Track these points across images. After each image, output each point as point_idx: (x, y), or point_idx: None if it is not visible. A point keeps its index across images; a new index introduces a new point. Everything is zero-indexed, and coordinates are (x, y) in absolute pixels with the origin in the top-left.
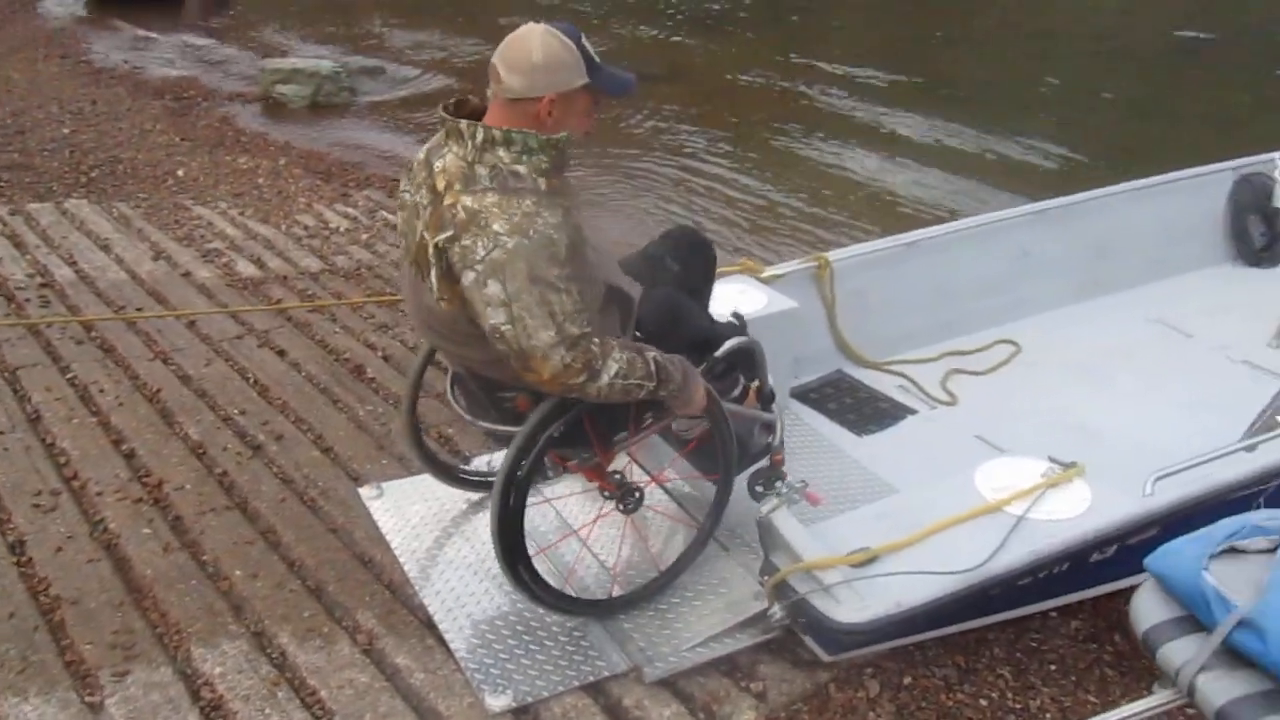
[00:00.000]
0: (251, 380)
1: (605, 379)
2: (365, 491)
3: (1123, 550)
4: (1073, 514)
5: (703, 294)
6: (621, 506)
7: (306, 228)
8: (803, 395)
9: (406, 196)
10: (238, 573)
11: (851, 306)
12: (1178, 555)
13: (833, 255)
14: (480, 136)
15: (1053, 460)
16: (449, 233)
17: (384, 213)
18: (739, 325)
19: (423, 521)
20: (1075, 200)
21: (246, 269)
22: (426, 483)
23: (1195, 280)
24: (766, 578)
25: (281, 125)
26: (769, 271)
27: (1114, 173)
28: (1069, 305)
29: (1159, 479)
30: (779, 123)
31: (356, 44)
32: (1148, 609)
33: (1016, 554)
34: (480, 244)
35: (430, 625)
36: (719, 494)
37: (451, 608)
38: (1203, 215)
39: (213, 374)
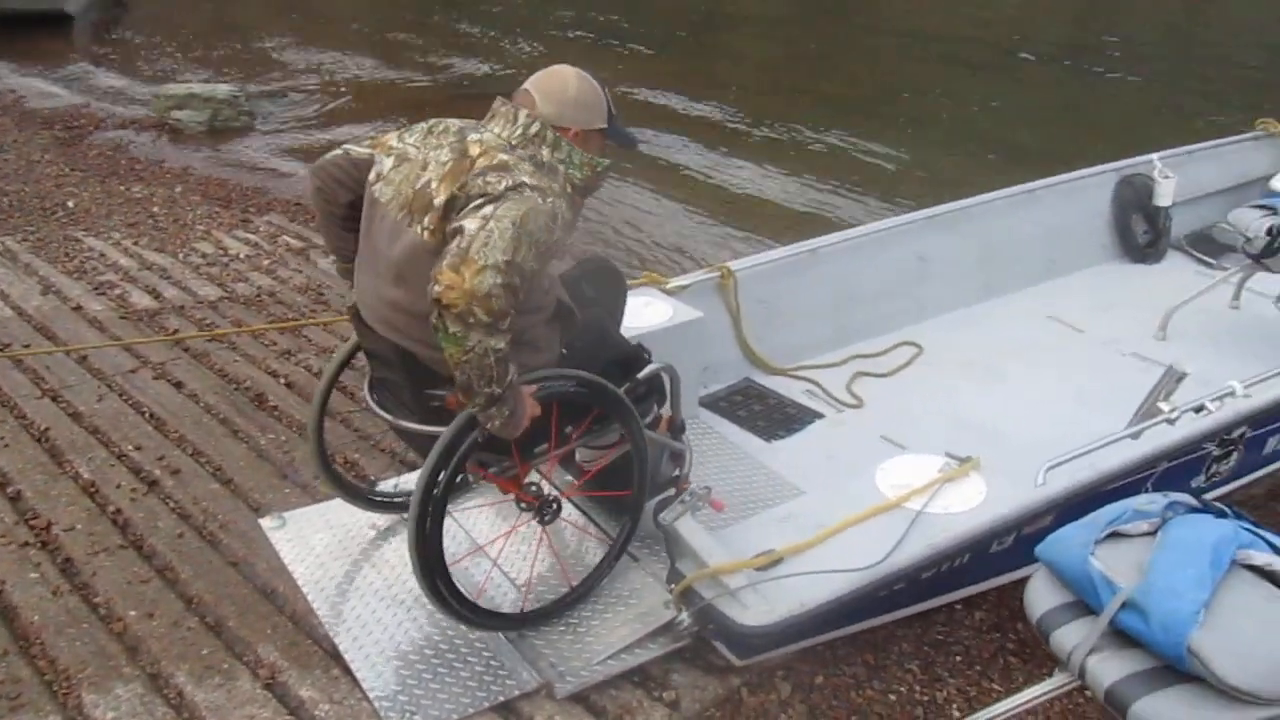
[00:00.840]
0: (147, 414)
1: (491, 341)
2: (267, 522)
3: (1020, 540)
4: (968, 507)
5: (616, 319)
6: (539, 518)
7: (205, 256)
8: (712, 403)
9: (412, 151)
10: (132, 613)
11: (757, 314)
12: (1065, 542)
13: (736, 265)
14: (535, 128)
15: (949, 456)
16: (476, 174)
17: (286, 238)
18: (648, 355)
19: (327, 550)
20: (968, 204)
21: (141, 300)
22: (331, 510)
23: (1085, 278)
24: (674, 586)
25: (178, 151)
26: (674, 283)
27: (1004, 177)
28: (967, 306)
29: (1050, 469)
30: (677, 138)
31: (254, 67)
32: (1040, 596)
33: (916, 548)
34: (504, 182)
35: (336, 655)
36: (631, 514)
37: (358, 636)
38: (1089, 215)
39: (105, 410)
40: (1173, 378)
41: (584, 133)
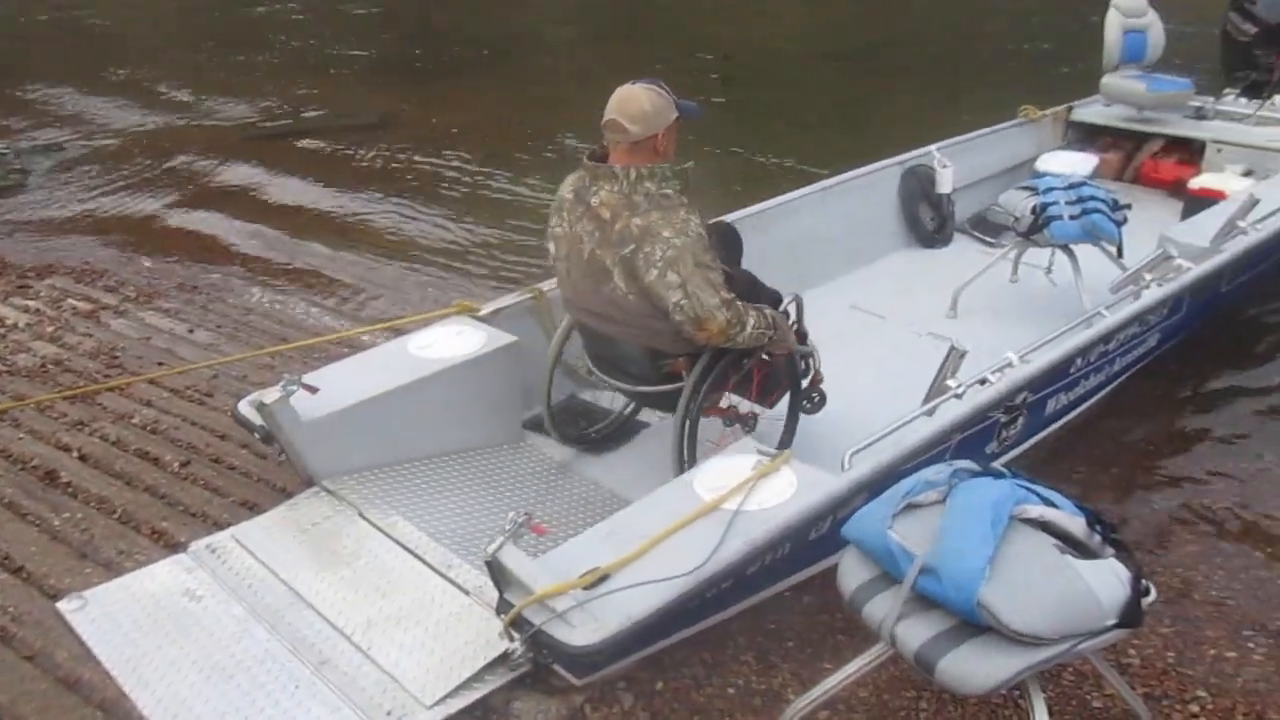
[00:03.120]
0: None
1: (749, 329)
2: (65, 605)
3: (836, 524)
4: (782, 500)
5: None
6: (745, 427)
7: None
8: (537, 425)
9: (560, 230)
10: None
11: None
12: (867, 519)
13: (547, 285)
14: (633, 175)
15: (761, 452)
16: (631, 246)
17: (72, 300)
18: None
19: (135, 625)
20: (770, 205)
21: None
22: (138, 581)
23: (883, 266)
24: (504, 616)
25: None
26: (487, 309)
27: (800, 177)
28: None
29: (854, 454)
30: (494, 163)
31: (22, 119)
32: (849, 574)
33: (736, 547)
34: (658, 248)
35: None
36: (794, 397)
37: (177, 712)
38: (881, 207)
39: None
40: (956, 355)
41: (668, 129)
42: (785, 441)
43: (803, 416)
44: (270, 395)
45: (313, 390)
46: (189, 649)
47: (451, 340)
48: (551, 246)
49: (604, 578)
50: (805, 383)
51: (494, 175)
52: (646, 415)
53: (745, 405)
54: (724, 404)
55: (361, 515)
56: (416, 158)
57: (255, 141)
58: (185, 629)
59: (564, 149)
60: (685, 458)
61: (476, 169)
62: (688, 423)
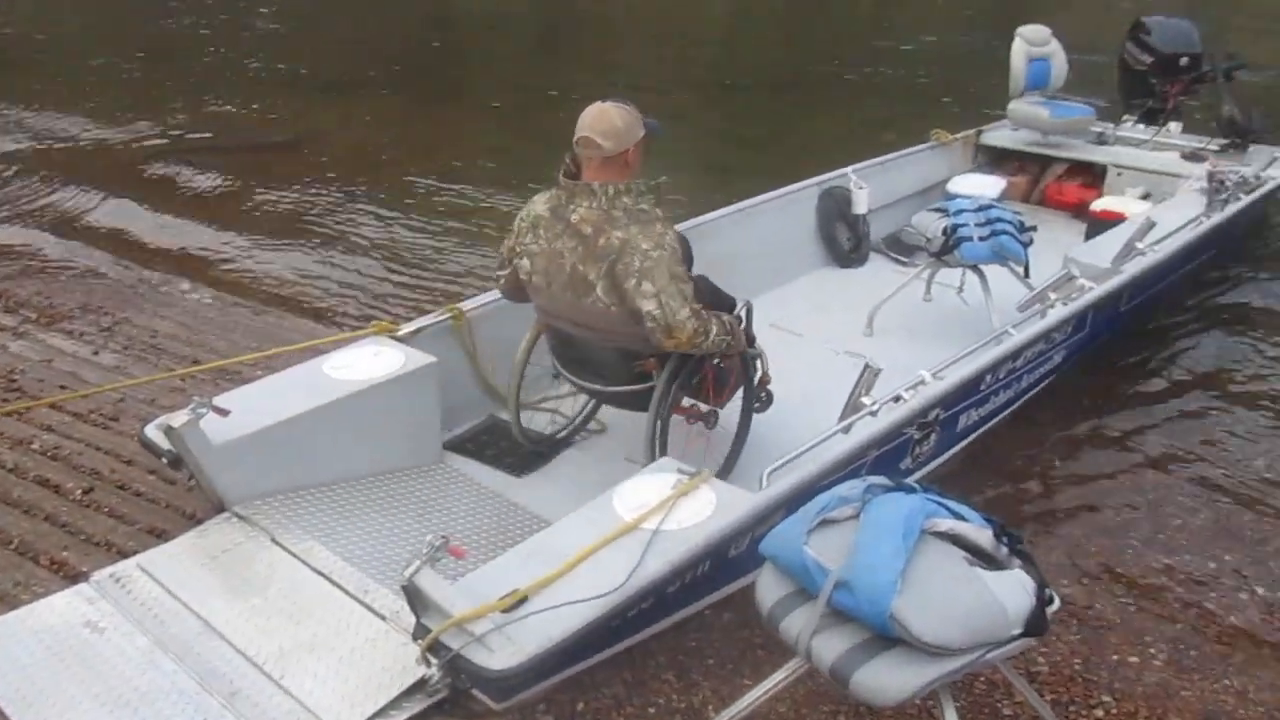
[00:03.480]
0: None
1: (712, 336)
2: None
3: (755, 541)
4: (700, 519)
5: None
6: (707, 425)
7: None
8: (458, 446)
9: (537, 247)
10: None
11: (495, 351)
12: (783, 536)
13: (467, 305)
14: (611, 191)
15: (680, 470)
16: (611, 258)
17: None
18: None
19: (32, 659)
20: (688, 226)
21: None
22: (35, 614)
23: (801, 285)
24: (421, 641)
25: None
26: (405, 329)
27: (721, 197)
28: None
29: (771, 471)
30: (413, 179)
31: None
32: (766, 590)
33: (655, 566)
34: (635, 259)
35: None
36: (747, 395)
37: None
38: (800, 227)
39: None
40: (871, 373)
41: (637, 144)
42: (740, 438)
43: (724, 425)
44: (178, 418)
45: (223, 413)
46: (90, 683)
47: (369, 361)
48: (526, 263)
49: (523, 600)
50: (757, 381)
51: (413, 192)
52: (569, 434)
53: (705, 405)
54: (685, 403)
55: (274, 541)
56: (332, 175)
57: (165, 157)
58: (86, 662)
59: (483, 168)
60: (657, 454)
61: (395, 185)
62: (659, 421)
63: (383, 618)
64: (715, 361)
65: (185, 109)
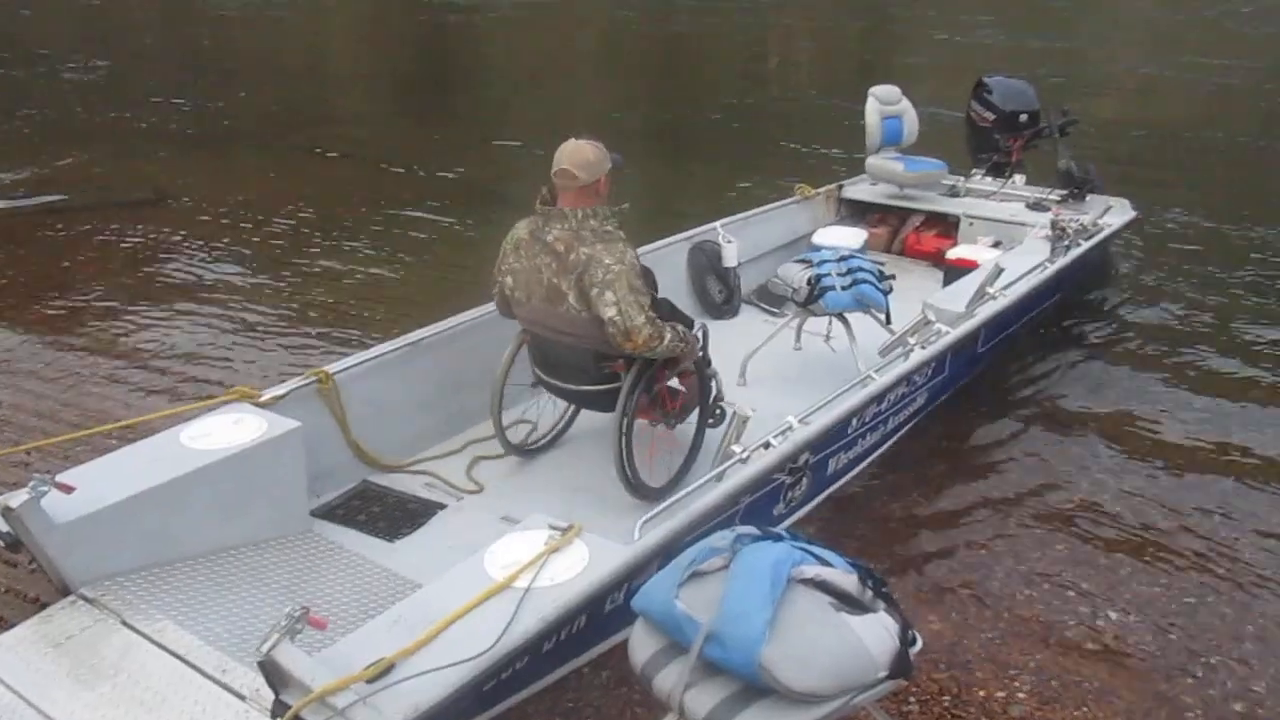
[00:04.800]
0: None
1: (666, 341)
2: None
3: (630, 594)
4: (573, 574)
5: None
6: (666, 424)
7: None
8: (328, 513)
9: (520, 265)
10: None
11: (365, 414)
12: (654, 590)
13: (334, 367)
14: (580, 215)
15: (553, 526)
16: (579, 270)
17: None
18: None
19: None
20: None
21: None
22: None
23: None
24: (280, 719)
25: None
26: (267, 394)
27: None
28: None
29: (644, 522)
30: (276, 240)
31: None
32: (639, 645)
33: (527, 625)
34: (599, 272)
35: None
36: (703, 407)
37: None
38: (670, 280)
39: None
40: (740, 421)
41: (606, 175)
42: (695, 448)
43: (600, 477)
44: (16, 498)
45: (68, 489)
46: (8, 699)
47: (228, 429)
48: (510, 279)
49: (389, 668)
50: (711, 399)
51: (276, 253)
52: (442, 495)
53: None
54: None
55: (125, 623)
56: (196, 235)
57: (12, 219)
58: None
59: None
60: (624, 451)
61: (258, 247)
62: (626, 417)
63: (242, 697)
64: (674, 382)
65: (35, 163)
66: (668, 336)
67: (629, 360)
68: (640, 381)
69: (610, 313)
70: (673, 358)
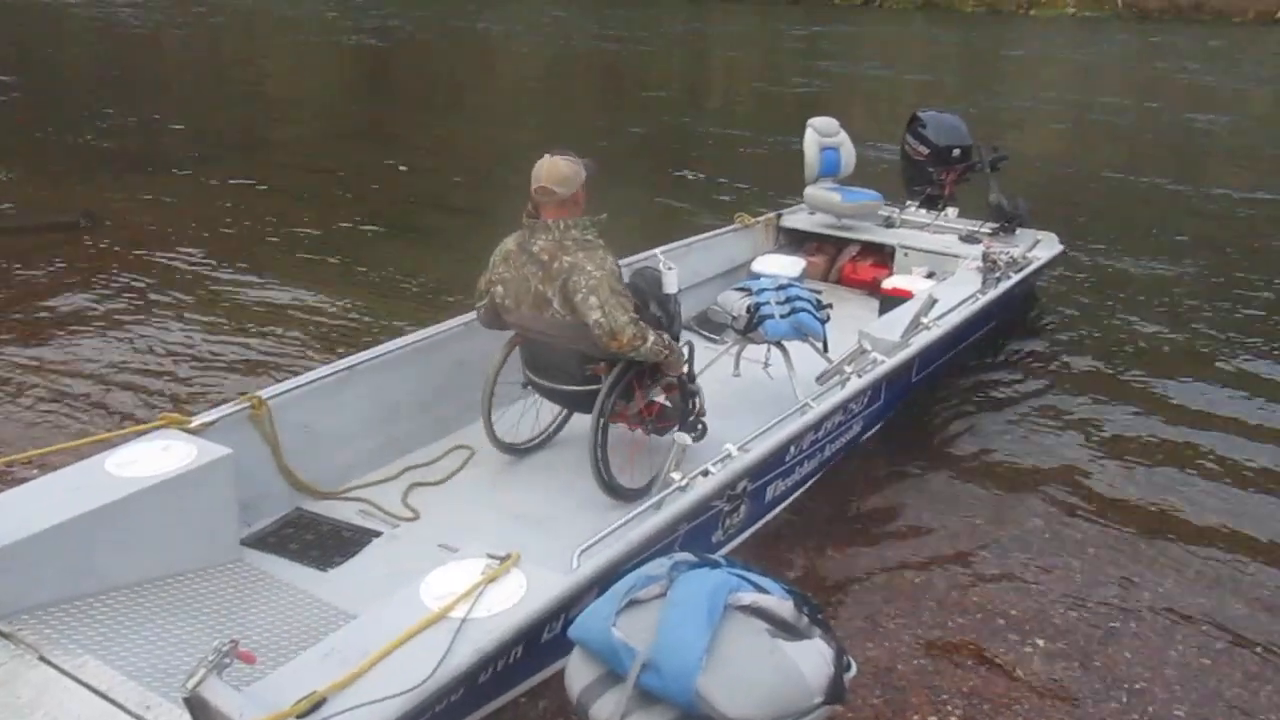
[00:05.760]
0: None
1: (649, 342)
2: None
3: (568, 624)
4: (510, 604)
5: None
6: (649, 431)
7: None
8: (259, 542)
9: (509, 274)
10: None
11: (297, 441)
12: (591, 619)
13: (267, 393)
14: (562, 226)
15: (490, 556)
16: (564, 277)
17: None
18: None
19: None
20: None
21: None
22: None
23: None
24: None
25: None
26: (197, 421)
27: None
28: (512, 402)
29: (582, 551)
30: (212, 264)
31: None
32: (576, 674)
33: (463, 656)
34: (582, 279)
35: None
36: (684, 417)
37: None
38: None
39: None
40: (679, 449)
41: (582, 185)
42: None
43: (539, 506)
44: None
45: None
46: None
47: (156, 456)
48: (500, 289)
49: (321, 702)
50: (694, 415)
51: (208, 278)
52: (377, 523)
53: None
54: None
55: (42, 659)
56: (126, 258)
57: None
58: None
59: (283, 252)
60: (599, 450)
61: (193, 270)
62: (603, 419)
63: None
64: (660, 399)
65: None
66: (651, 338)
67: (611, 364)
68: (619, 384)
69: (595, 315)
70: (658, 368)
